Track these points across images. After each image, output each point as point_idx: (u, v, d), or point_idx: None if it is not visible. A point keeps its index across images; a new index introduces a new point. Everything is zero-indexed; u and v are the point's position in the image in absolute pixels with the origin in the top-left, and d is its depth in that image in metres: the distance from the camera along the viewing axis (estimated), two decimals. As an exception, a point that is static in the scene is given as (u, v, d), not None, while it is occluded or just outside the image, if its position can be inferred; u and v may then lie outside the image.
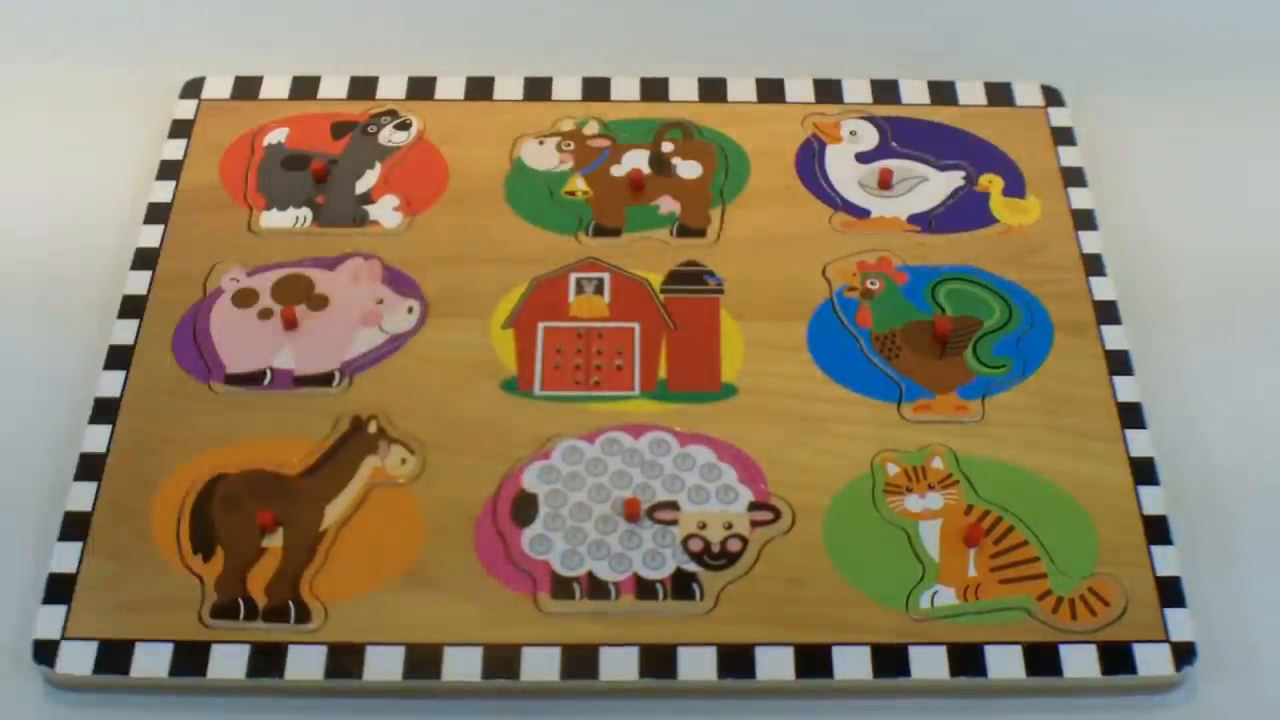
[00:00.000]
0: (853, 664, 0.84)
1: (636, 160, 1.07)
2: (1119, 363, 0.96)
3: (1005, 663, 0.84)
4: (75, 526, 0.88)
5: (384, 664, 0.83)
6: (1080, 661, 0.84)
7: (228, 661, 0.83)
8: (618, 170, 1.06)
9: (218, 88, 1.11)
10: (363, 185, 1.05)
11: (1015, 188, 1.06)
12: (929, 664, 0.84)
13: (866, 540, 0.88)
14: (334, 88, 1.11)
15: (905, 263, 1.01)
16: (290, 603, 0.85)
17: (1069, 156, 1.07)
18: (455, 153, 1.07)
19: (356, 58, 1.13)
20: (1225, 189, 1.08)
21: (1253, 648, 0.86)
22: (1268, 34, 1.16)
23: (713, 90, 1.11)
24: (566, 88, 1.11)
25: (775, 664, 0.84)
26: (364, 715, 0.84)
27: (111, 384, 0.94)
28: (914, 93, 1.11)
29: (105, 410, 0.93)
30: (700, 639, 0.84)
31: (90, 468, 0.91)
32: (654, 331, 0.98)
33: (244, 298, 0.99)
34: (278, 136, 1.08)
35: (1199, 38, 1.16)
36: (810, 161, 1.07)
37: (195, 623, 0.85)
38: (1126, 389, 0.95)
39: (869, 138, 1.08)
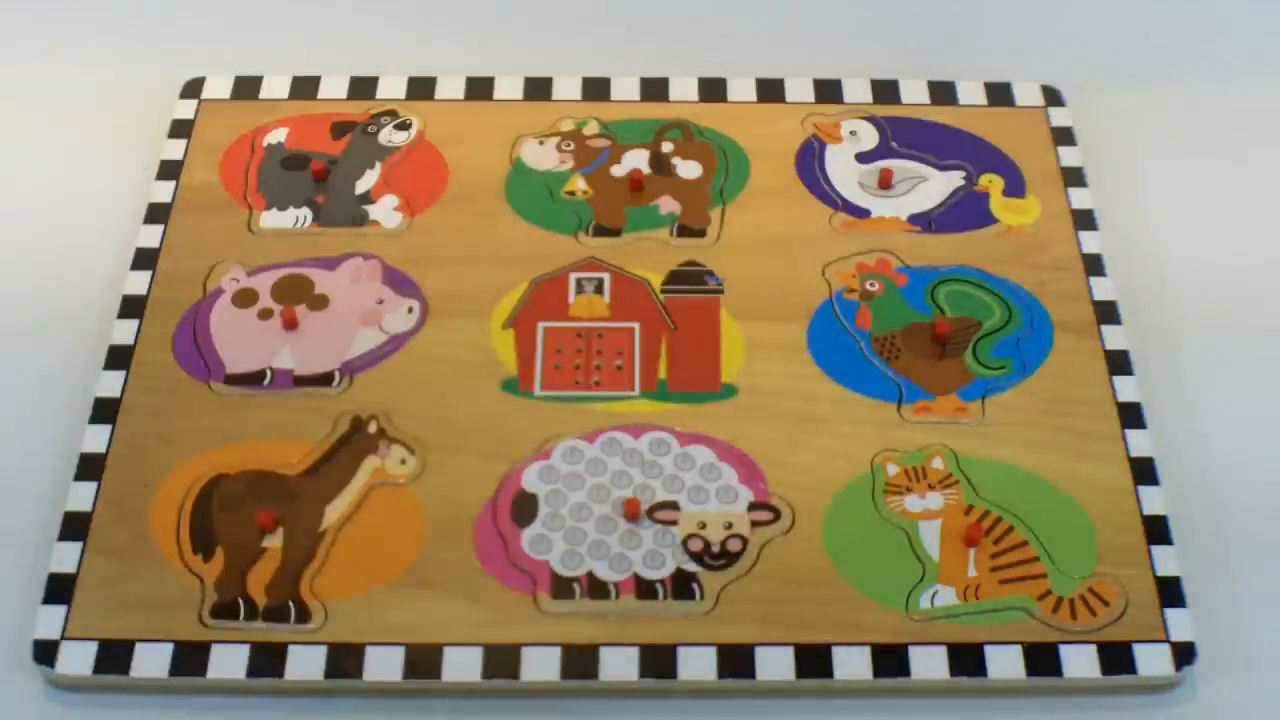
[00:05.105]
0: (853, 664, 0.84)
1: (636, 160, 1.07)
2: (1119, 363, 0.96)
3: (1005, 663, 0.84)
4: (75, 526, 0.88)
5: (384, 664, 0.83)
6: (1080, 661, 0.84)
7: (228, 661, 0.83)
8: (618, 170, 1.06)
9: (218, 88, 1.11)
10: (363, 185, 1.05)
11: (1015, 188, 1.06)
12: (929, 664, 0.84)
13: (866, 540, 0.88)
14: (334, 88, 1.11)
15: (905, 264, 1.01)
16: (290, 603, 0.85)
17: (1069, 156, 1.07)
18: (455, 153, 1.07)
19: (356, 58, 1.13)
20: (1225, 188, 1.08)
21: (1253, 648, 0.86)
22: (1268, 34, 1.16)
23: (713, 90, 1.11)
24: (566, 88, 1.11)
25: (775, 664, 0.84)
26: (364, 715, 0.84)
27: (111, 384, 0.94)
28: (914, 93, 1.11)
29: (105, 410, 0.93)
30: (700, 639, 0.84)
31: (90, 468, 0.91)
32: (654, 331, 0.98)
33: (244, 298, 0.99)
34: (278, 136, 1.08)
35: (1199, 38, 1.16)
36: (810, 161, 1.07)
37: (195, 623, 0.85)
38: (1126, 389, 0.95)
39: (869, 138, 1.08)
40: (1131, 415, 0.94)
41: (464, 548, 0.88)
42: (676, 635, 0.85)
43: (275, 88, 1.11)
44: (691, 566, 0.87)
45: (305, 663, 0.83)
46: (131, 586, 0.86)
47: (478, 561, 0.87)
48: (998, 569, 0.87)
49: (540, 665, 0.83)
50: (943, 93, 1.11)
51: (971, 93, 1.11)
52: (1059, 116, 1.10)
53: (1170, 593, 0.86)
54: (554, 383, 0.95)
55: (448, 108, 1.10)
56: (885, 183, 1.05)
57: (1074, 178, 1.06)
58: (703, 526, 0.88)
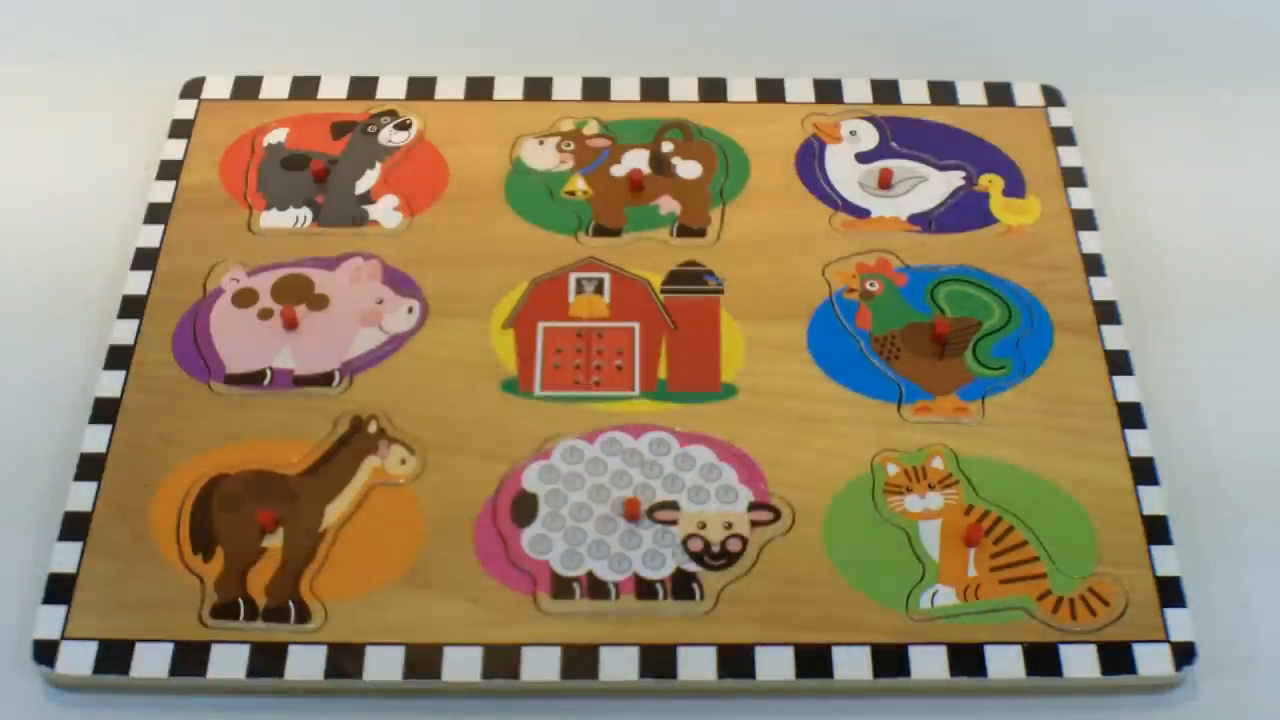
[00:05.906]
0: (853, 664, 0.84)
1: (636, 160, 1.07)
2: (1119, 363, 0.96)
3: (1005, 663, 0.84)
4: (75, 526, 0.88)
5: (384, 664, 0.83)
6: (1080, 661, 0.84)
7: (228, 661, 0.83)
8: (618, 170, 1.06)
9: (218, 88, 1.11)
10: (363, 185, 1.05)
11: (1015, 188, 1.06)
12: (929, 664, 0.84)
13: (866, 540, 0.88)
14: (334, 88, 1.11)
15: (905, 264, 1.01)
16: (290, 603, 0.85)
17: (1069, 156, 1.07)
18: (455, 153, 1.07)
19: (356, 58, 1.13)
20: (1225, 188, 1.08)
21: (1253, 648, 0.87)
22: (1267, 34, 1.16)
23: (713, 90, 1.11)
24: (566, 88, 1.11)
25: (775, 664, 0.84)
26: (364, 715, 0.84)
27: (111, 384, 0.94)
28: (914, 93, 1.11)
29: (105, 410, 0.93)
30: (700, 639, 0.84)
31: (90, 468, 0.91)
32: (654, 331, 0.98)
33: (244, 298, 0.99)
34: (278, 136, 1.08)
35: (1199, 38, 1.16)
36: (810, 161, 1.07)
37: (195, 623, 0.85)
38: (1126, 389, 0.95)
39: (869, 138, 1.08)
40: (1131, 415, 0.94)
41: (464, 548, 0.88)
42: (676, 635, 0.85)
43: (275, 88, 1.11)
44: (691, 566, 0.87)
45: (305, 663, 0.83)
46: (131, 586, 0.86)
47: (478, 561, 0.87)
48: (998, 569, 0.87)
49: (540, 665, 0.83)
50: (943, 93, 1.11)
51: (971, 93, 1.11)
52: (1059, 116, 1.10)
53: (1170, 593, 0.86)
54: (554, 383, 0.95)
55: (448, 108, 1.10)
56: (885, 183, 1.05)
57: (1074, 178, 1.06)
58: (703, 526, 0.88)
